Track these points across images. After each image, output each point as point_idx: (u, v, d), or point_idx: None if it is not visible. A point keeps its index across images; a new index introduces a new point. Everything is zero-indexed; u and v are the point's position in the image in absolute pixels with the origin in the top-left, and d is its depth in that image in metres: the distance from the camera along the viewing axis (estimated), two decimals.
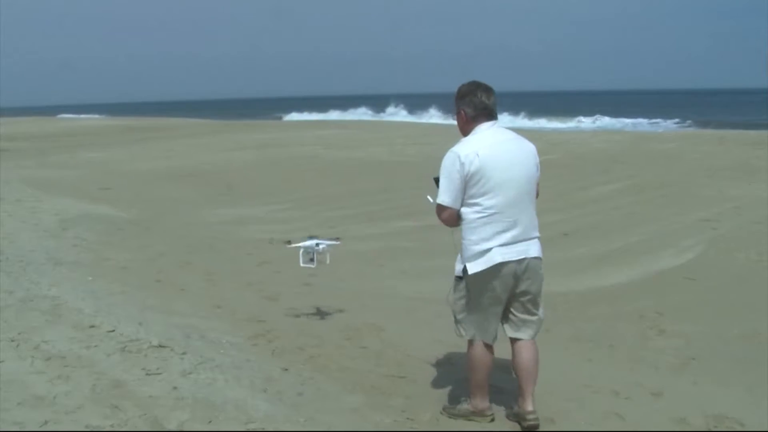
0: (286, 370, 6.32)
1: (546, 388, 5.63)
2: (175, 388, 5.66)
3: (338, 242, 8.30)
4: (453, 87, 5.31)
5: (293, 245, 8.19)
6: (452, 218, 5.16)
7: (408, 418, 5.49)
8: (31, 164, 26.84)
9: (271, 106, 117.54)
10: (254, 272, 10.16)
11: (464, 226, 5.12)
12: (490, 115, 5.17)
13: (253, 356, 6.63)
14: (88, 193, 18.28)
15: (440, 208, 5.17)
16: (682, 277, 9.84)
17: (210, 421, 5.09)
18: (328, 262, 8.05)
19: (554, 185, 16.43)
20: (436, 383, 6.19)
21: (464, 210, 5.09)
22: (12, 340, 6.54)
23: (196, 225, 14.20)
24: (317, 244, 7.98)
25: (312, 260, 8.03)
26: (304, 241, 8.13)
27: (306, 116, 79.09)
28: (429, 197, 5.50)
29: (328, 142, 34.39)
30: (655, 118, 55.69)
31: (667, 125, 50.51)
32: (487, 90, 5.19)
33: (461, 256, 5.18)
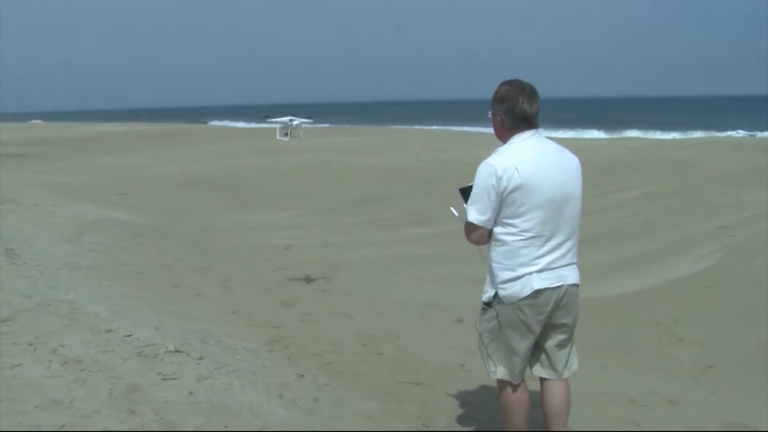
0: (302, 376, 6.33)
1: None
2: (191, 393, 5.67)
3: (311, 120, 8.74)
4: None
5: (271, 120, 8.76)
6: (483, 239, 4.53)
7: (423, 425, 5.49)
8: (49, 169, 27.01)
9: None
10: (270, 278, 10.17)
11: (496, 247, 4.48)
12: (530, 125, 4.49)
13: (268, 362, 6.64)
14: (105, 198, 18.36)
15: (471, 228, 4.50)
16: (699, 285, 9.79)
17: (225, 426, 5.10)
18: (302, 137, 8.43)
19: None
20: (452, 390, 6.17)
21: (497, 230, 4.45)
22: (29, 344, 6.57)
23: (212, 230, 14.23)
24: (291, 120, 8.43)
25: (287, 135, 8.51)
26: (282, 118, 8.73)
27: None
28: (453, 209, 4.94)
29: (343, 149, 34.47)
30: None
31: None
32: (531, 95, 4.48)
33: (491, 281, 4.54)
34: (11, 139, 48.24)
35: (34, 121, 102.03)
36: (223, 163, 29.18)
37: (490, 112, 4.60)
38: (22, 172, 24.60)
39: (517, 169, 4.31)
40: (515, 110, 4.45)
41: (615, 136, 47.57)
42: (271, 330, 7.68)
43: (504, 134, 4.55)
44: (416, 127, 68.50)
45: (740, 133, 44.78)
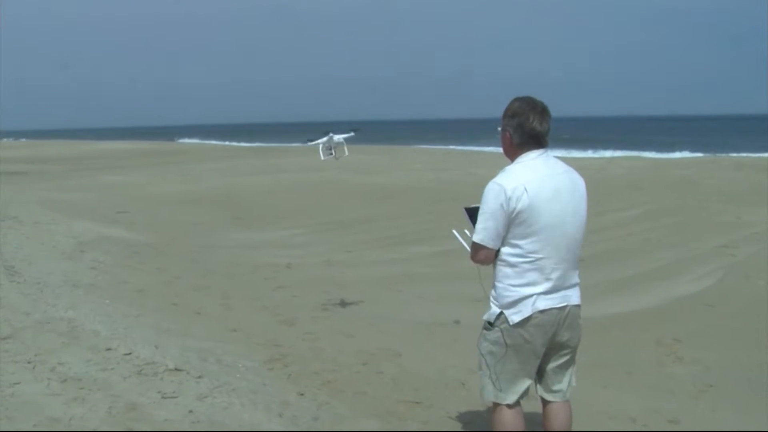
0: (302, 394, 6.31)
1: None
2: (190, 411, 5.66)
3: (353, 134, 8.76)
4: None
5: (312, 143, 8.80)
6: (489, 259, 4.47)
7: None
8: (50, 187, 27.03)
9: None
10: (271, 296, 10.16)
11: (503, 268, 4.44)
12: (540, 144, 4.47)
13: (269, 380, 6.63)
14: (105, 216, 18.38)
15: (477, 248, 4.45)
16: (700, 304, 9.76)
17: None
18: (346, 153, 8.47)
19: None
20: (453, 409, 6.15)
21: (504, 250, 4.40)
22: (28, 362, 6.57)
23: (213, 249, 14.23)
24: (331, 137, 8.46)
25: (331, 153, 8.53)
26: (322, 137, 8.77)
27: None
28: (456, 232, 4.93)
29: (346, 167, 34.33)
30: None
31: None
32: (542, 113, 4.46)
33: (496, 301, 4.47)
34: (12, 157, 48.35)
35: (21, 140, 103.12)
36: (225, 181, 29.21)
37: (500, 128, 4.55)
38: (22, 190, 24.63)
39: (526, 189, 4.27)
40: (525, 126, 4.42)
41: (615, 155, 47.54)
42: (271, 348, 7.67)
43: (512, 151, 4.52)
44: (418, 146, 68.49)
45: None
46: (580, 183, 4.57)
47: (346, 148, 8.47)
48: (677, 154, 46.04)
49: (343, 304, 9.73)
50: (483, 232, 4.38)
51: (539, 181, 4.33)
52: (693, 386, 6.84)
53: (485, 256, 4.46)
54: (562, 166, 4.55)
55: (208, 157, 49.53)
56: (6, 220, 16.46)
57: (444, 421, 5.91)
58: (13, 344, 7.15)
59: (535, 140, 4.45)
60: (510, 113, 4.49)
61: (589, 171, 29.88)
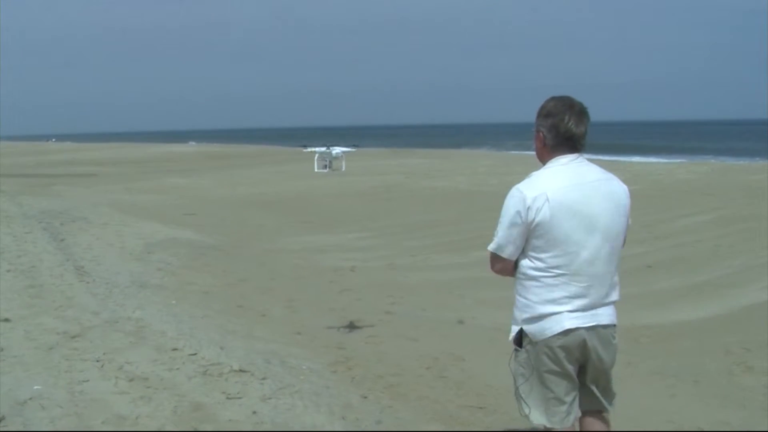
0: (365, 397, 6.31)
1: (627, 424, 5.49)
2: (254, 412, 5.70)
3: (354, 149, 8.57)
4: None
5: (308, 149, 8.66)
6: (507, 271, 4.20)
7: None
8: (119, 189, 27.52)
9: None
10: (335, 299, 10.18)
11: (523, 282, 4.13)
12: (575, 147, 4.05)
13: (332, 383, 6.64)
14: (172, 218, 18.62)
15: (494, 259, 4.20)
16: None
17: None
18: (343, 169, 8.36)
19: (638, 217, 15.93)
20: (516, 415, 6.08)
21: (524, 263, 4.08)
22: (97, 361, 6.68)
23: (278, 251, 14.33)
24: (329, 149, 8.36)
25: (326, 167, 8.48)
26: (321, 147, 8.59)
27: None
28: None
29: (411, 171, 34.42)
30: None
31: None
32: (580, 114, 4.03)
33: (516, 317, 4.25)
34: (82, 159, 49.35)
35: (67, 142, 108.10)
36: (289, 184, 29.38)
37: (534, 128, 4.18)
38: (92, 192, 25.09)
39: (548, 198, 3.91)
40: (559, 128, 4.03)
41: (684, 160, 46.84)
42: (335, 351, 7.69)
43: (544, 154, 4.15)
44: (483, 150, 68.29)
45: None
46: (620, 191, 4.14)
47: (343, 163, 8.46)
48: (746, 160, 45.16)
49: (406, 307, 9.72)
50: (499, 241, 4.11)
51: (564, 190, 3.96)
52: (763, 397, 6.67)
53: (501, 267, 4.21)
54: (599, 173, 4.12)
55: (273, 160, 49.89)
56: (76, 221, 16.79)
57: (508, 428, 5.86)
58: (82, 343, 7.28)
59: (570, 143, 4.06)
60: (544, 112, 4.11)
61: (656, 176, 29.53)
